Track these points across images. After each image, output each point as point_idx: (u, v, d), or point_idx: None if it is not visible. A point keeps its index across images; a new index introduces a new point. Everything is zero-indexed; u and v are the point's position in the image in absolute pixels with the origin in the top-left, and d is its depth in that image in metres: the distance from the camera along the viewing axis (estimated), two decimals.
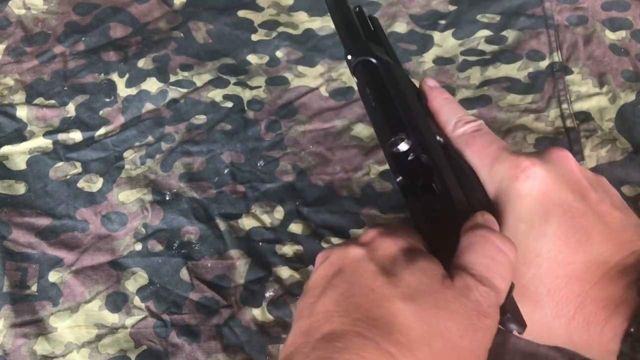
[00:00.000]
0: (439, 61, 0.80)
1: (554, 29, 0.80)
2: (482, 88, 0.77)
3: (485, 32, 0.81)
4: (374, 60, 0.55)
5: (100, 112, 0.77)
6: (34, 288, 0.67)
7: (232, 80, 0.79)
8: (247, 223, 0.70)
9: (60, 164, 0.73)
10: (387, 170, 0.72)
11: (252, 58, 0.81)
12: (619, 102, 0.75)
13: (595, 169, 0.71)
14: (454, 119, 0.53)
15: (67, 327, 0.65)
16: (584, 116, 0.74)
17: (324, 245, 0.69)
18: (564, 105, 0.75)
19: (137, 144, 0.75)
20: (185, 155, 0.74)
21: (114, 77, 0.79)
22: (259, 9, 0.85)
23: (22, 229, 0.69)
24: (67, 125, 0.76)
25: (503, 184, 0.48)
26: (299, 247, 0.69)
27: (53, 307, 0.66)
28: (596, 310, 0.40)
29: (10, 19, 0.83)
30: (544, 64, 0.78)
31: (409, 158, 0.49)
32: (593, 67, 0.77)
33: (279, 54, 0.81)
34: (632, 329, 0.37)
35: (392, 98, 0.52)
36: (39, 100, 0.77)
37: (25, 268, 0.67)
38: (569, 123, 0.74)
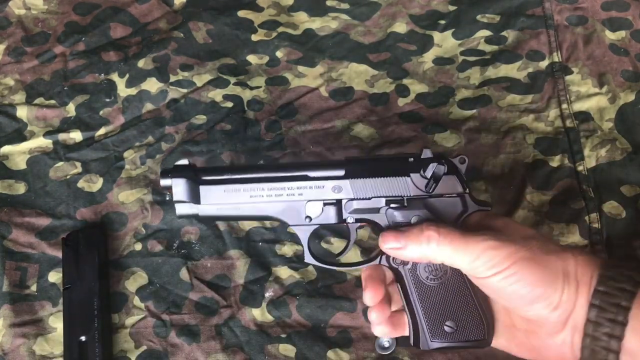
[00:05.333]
0: (439, 61, 0.80)
1: (553, 29, 0.80)
2: (481, 88, 0.77)
3: (485, 32, 0.81)
4: None
5: (101, 112, 0.77)
6: (34, 288, 0.67)
7: (232, 80, 0.79)
8: (247, 223, 0.70)
9: (60, 163, 0.73)
10: None
11: (252, 58, 0.81)
12: (618, 102, 0.74)
13: (594, 169, 0.71)
14: None
15: None
16: (584, 116, 0.74)
17: (324, 245, 0.69)
18: (564, 105, 0.75)
19: (137, 144, 0.75)
20: (185, 155, 0.74)
21: (114, 77, 0.79)
22: (259, 9, 0.85)
23: (22, 228, 0.69)
24: (67, 125, 0.76)
25: None
26: (299, 247, 0.69)
27: (53, 307, 0.66)
28: None
29: (11, 19, 0.83)
30: (543, 64, 0.78)
31: None
32: (593, 67, 0.77)
33: (279, 54, 0.81)
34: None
35: None
36: (39, 100, 0.77)
37: (25, 268, 0.67)
38: (568, 123, 0.74)
